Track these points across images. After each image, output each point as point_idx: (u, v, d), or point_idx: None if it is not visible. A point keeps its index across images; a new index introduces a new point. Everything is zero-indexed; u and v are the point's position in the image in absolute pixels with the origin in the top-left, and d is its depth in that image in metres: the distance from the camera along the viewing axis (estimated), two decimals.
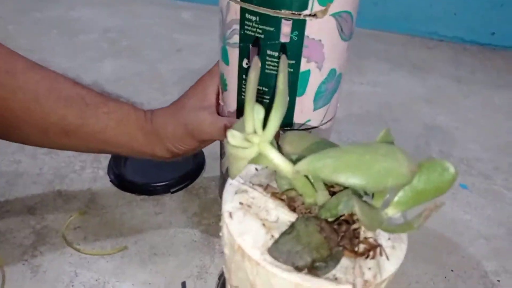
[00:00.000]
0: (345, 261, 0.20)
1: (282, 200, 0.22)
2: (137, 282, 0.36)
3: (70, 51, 0.71)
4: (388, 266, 0.21)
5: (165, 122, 0.35)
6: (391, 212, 0.20)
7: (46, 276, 0.36)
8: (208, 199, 0.45)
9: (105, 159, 0.49)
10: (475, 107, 0.64)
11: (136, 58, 0.70)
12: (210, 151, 0.49)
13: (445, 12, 0.81)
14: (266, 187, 0.23)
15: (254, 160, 0.21)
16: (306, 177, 0.21)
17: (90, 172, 0.47)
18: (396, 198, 0.20)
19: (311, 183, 0.21)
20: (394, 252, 0.21)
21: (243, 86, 0.32)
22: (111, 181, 0.46)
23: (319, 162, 0.19)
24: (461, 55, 0.79)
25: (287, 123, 0.32)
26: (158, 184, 0.46)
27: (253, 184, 0.23)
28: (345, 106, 0.61)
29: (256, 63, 0.20)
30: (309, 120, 0.33)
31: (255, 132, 0.20)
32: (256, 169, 0.25)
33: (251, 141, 0.20)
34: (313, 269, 0.20)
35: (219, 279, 0.36)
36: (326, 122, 0.34)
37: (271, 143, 0.21)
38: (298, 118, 0.32)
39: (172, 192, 0.45)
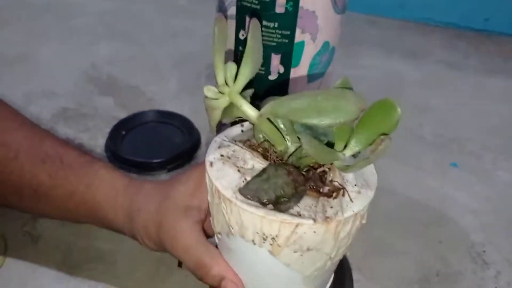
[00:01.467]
0: (310, 201, 0.22)
1: (258, 151, 0.24)
2: (135, 248, 0.36)
3: (65, 34, 0.71)
4: (351, 207, 0.22)
5: (142, 206, 0.29)
6: (348, 152, 0.23)
7: (46, 246, 0.37)
8: None
9: (102, 137, 0.49)
10: (467, 91, 0.65)
11: (131, 42, 0.70)
12: (207, 136, 0.49)
13: None
14: (245, 142, 0.25)
15: (226, 111, 0.23)
16: (275, 126, 0.23)
17: (88, 149, 0.48)
18: (352, 140, 0.22)
19: (280, 132, 0.24)
20: (359, 196, 0.23)
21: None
22: (108, 158, 0.47)
23: (278, 105, 0.21)
24: (455, 40, 0.79)
25: (281, 95, 0.33)
26: (154, 161, 0.46)
27: (235, 141, 0.25)
28: None
29: (220, 17, 0.22)
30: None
31: (226, 84, 0.23)
32: (242, 131, 0.27)
33: (223, 91, 0.23)
34: (277, 205, 0.22)
35: None
36: None
37: (242, 94, 0.23)
38: (292, 90, 0.33)
39: (169, 170, 0.46)
